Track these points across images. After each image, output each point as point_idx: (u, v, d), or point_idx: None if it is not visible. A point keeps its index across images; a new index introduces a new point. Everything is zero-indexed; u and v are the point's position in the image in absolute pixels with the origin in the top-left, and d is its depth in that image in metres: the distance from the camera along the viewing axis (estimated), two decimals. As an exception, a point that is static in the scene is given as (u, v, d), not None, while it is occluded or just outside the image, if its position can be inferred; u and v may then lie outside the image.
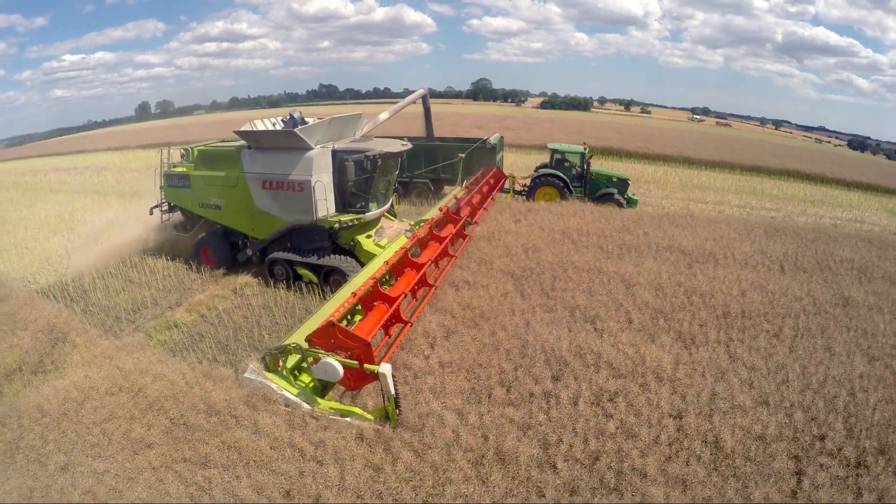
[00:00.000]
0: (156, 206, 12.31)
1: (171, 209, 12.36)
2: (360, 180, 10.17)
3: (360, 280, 8.00)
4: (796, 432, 5.35)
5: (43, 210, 17.50)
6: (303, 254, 10.28)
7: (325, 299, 9.56)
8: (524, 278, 8.96)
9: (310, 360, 5.94)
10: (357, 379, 5.84)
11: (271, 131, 10.87)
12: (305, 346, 5.90)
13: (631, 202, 15.59)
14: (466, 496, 4.47)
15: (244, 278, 10.68)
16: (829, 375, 6.37)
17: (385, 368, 5.45)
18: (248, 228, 11.00)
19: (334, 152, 10.14)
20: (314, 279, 10.14)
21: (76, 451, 5.11)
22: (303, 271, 10.25)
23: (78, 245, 13.04)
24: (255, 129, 10.94)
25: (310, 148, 9.87)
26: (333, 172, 10.12)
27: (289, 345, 6.07)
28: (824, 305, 8.77)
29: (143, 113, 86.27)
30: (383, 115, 12.27)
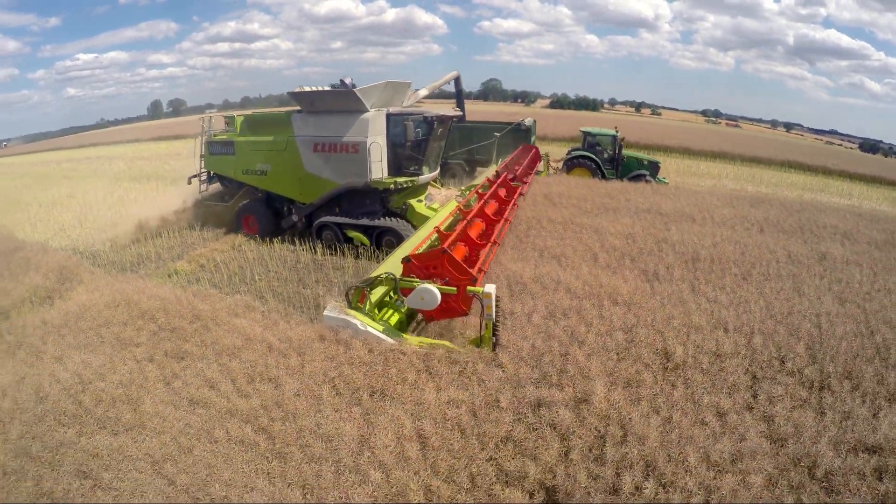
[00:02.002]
0: (194, 176, 12.28)
1: (210, 179, 12.28)
2: (416, 142, 10.25)
3: (438, 220, 8.00)
4: (754, 352, 5.34)
5: (56, 192, 18.33)
6: (353, 218, 10.30)
7: (317, 254, 10.09)
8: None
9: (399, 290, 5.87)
10: (444, 310, 5.65)
11: (330, 91, 10.52)
12: (397, 275, 5.86)
13: (661, 184, 15.65)
14: (413, 383, 4.85)
15: (242, 238, 11.24)
16: (795, 310, 6.31)
17: (490, 288, 5.39)
18: (296, 193, 10.93)
19: (389, 115, 10.16)
20: (366, 241, 10.12)
21: (70, 348, 5.65)
22: (354, 234, 10.25)
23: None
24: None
25: (366, 110, 9.95)
26: (387, 136, 10.16)
27: (379, 275, 5.91)
28: (799, 258, 8.73)
29: (155, 111, 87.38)
30: (422, 92, 12.45)
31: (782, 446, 4.15)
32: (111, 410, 4.54)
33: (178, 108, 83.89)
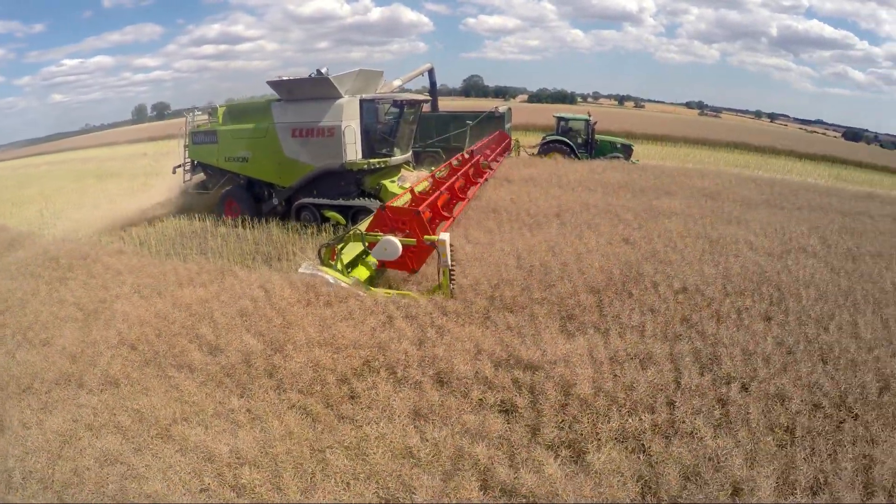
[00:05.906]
0: (179, 166, 13.13)
1: (195, 169, 13.18)
2: (387, 125, 11.36)
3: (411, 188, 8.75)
4: (462, 278, 6.19)
5: (29, 191, 20.87)
6: (330, 199, 11.21)
7: (207, 224, 12.14)
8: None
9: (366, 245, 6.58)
10: (399, 261, 6.33)
11: (305, 79, 11.20)
12: (362, 231, 6.65)
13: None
14: (182, 286, 7.08)
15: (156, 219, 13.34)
16: (553, 248, 7.14)
17: (444, 237, 5.92)
18: (276, 177, 11.79)
19: (362, 101, 11.02)
20: (342, 221, 10.82)
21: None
22: (331, 213, 11.04)
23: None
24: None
25: (340, 96, 10.85)
26: (361, 121, 11.00)
27: (347, 232, 6.71)
28: (618, 210, 9.37)
29: (139, 115, 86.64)
30: (396, 82, 13.39)
31: (419, 348, 4.80)
32: (8, 306, 7.00)
33: (161, 112, 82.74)
